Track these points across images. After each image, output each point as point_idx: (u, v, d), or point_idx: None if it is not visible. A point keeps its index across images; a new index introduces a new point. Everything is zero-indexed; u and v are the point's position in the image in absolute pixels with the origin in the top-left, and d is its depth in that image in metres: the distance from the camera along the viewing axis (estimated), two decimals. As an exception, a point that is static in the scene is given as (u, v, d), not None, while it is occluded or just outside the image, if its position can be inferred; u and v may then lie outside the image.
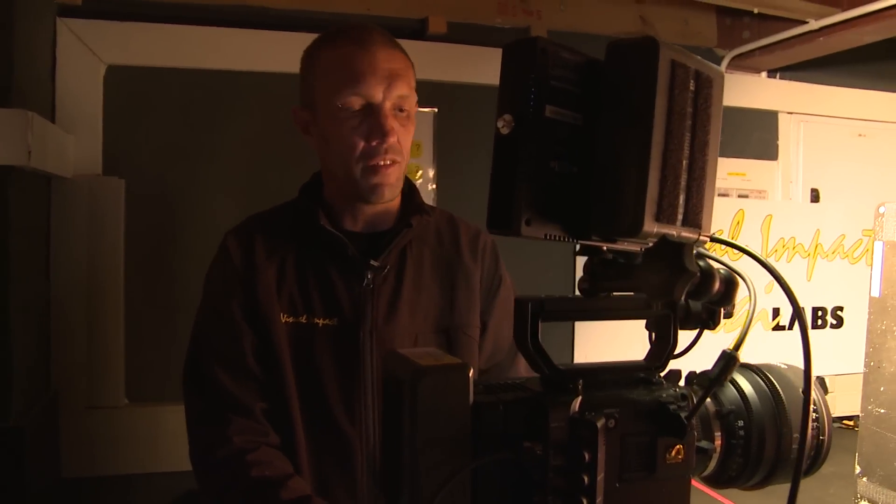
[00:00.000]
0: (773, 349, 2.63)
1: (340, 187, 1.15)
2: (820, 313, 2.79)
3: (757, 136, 2.85)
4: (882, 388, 1.54)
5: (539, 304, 0.60)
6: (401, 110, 1.11)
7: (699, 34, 2.73)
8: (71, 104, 2.04)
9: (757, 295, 0.60)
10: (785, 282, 0.58)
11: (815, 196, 2.93)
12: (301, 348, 1.11)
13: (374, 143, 1.08)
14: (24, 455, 1.59)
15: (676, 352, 0.65)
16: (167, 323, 2.11)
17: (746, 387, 0.69)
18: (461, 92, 2.37)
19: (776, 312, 2.72)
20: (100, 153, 2.08)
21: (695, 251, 0.55)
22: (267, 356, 1.10)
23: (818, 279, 2.79)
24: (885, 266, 1.55)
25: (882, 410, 1.53)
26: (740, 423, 0.68)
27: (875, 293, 1.58)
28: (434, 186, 2.40)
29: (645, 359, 0.67)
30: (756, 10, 2.46)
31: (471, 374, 0.55)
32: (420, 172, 2.38)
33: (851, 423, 2.52)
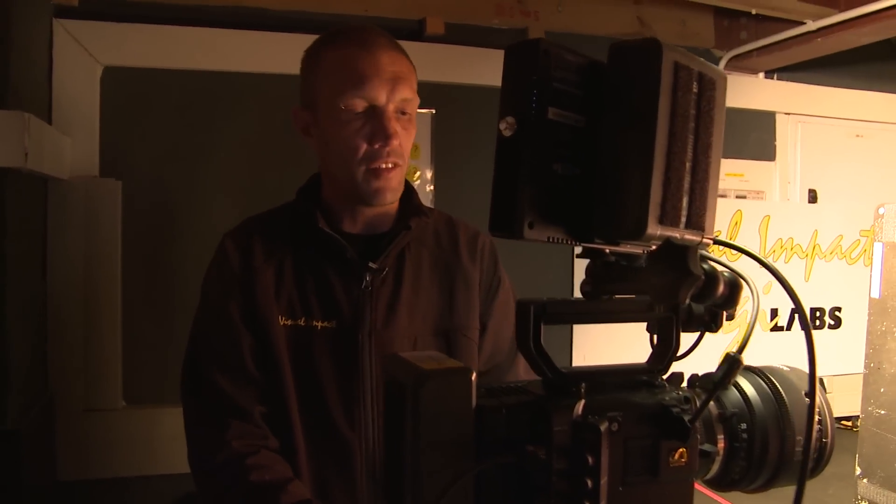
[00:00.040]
0: (771, 349, 2.63)
1: (341, 189, 1.14)
2: (818, 314, 2.80)
3: (754, 136, 2.85)
4: (882, 390, 1.54)
5: (541, 307, 0.60)
6: (403, 113, 1.10)
7: (697, 35, 2.73)
8: (67, 105, 2.03)
9: (759, 298, 0.60)
10: (789, 284, 0.58)
11: (812, 197, 2.93)
12: (300, 351, 1.10)
13: (376, 146, 1.07)
14: (20, 458, 1.58)
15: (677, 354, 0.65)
16: (164, 325, 2.10)
17: (749, 389, 0.69)
18: (459, 93, 2.37)
19: (774, 313, 2.72)
20: (96, 155, 2.08)
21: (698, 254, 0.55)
22: (265, 359, 1.10)
23: (816, 280, 2.80)
24: (885, 267, 1.55)
25: (882, 412, 1.53)
26: (743, 425, 0.67)
27: (875, 294, 1.58)
28: (432, 188, 2.40)
29: (647, 361, 0.66)
30: (754, 11, 2.46)
31: (473, 378, 0.55)
32: (418, 174, 2.37)
33: (850, 423, 2.53)
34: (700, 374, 0.69)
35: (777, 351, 2.62)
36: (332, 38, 1.12)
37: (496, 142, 0.54)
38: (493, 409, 0.56)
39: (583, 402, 0.58)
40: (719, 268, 0.58)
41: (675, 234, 0.55)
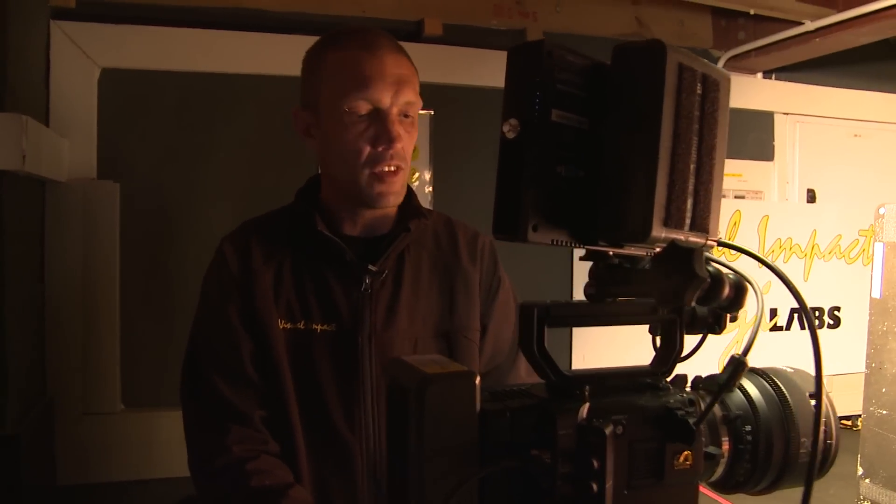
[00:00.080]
0: (770, 349, 2.64)
1: (342, 191, 1.13)
2: (817, 314, 2.80)
3: (753, 136, 2.85)
4: (884, 390, 1.54)
5: (545, 310, 0.59)
6: (406, 116, 1.10)
7: (695, 35, 2.74)
8: (65, 108, 2.02)
9: (764, 300, 0.60)
10: (794, 287, 0.58)
11: (811, 196, 2.94)
12: (299, 354, 1.10)
13: (380, 149, 1.07)
14: (19, 463, 1.57)
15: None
16: (163, 327, 2.10)
17: (753, 391, 0.68)
18: (457, 94, 2.37)
19: (773, 313, 2.73)
20: (94, 157, 2.07)
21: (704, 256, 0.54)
22: (265, 363, 1.09)
23: (815, 280, 2.80)
24: (886, 267, 1.55)
25: (884, 412, 1.53)
26: (748, 427, 0.67)
27: (876, 294, 1.58)
28: (431, 189, 2.40)
29: (651, 364, 0.66)
30: (752, 12, 2.47)
31: (477, 382, 0.54)
32: (417, 175, 2.37)
33: (849, 422, 2.53)
34: (700, 374, 0.69)
35: (776, 350, 2.62)
36: (336, 40, 1.11)
37: (499, 144, 0.54)
38: (497, 413, 0.55)
39: (587, 405, 0.57)
40: (724, 270, 0.58)
41: (680, 236, 0.55)
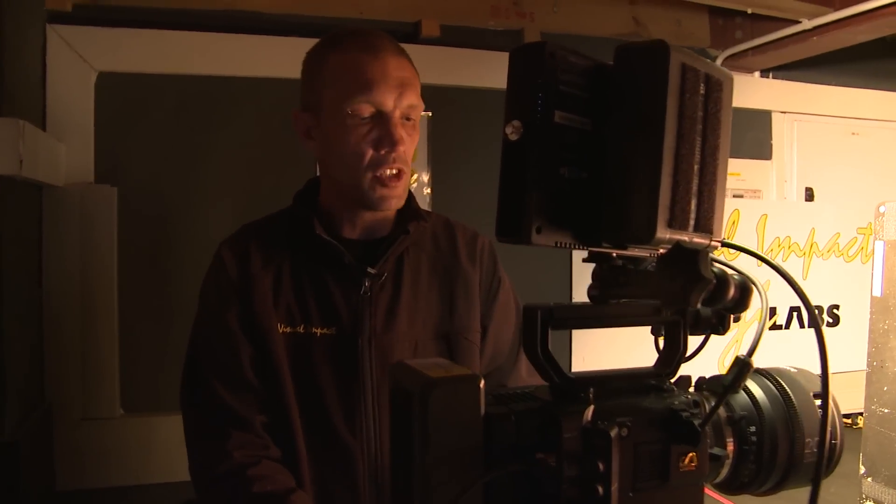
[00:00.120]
0: (769, 348, 2.63)
1: (342, 194, 1.13)
2: (816, 312, 2.80)
3: (751, 135, 2.86)
4: (885, 388, 1.54)
5: (548, 312, 0.59)
6: (408, 119, 1.09)
7: (692, 35, 2.74)
8: (62, 112, 2.02)
9: (767, 301, 0.60)
10: (800, 287, 0.57)
11: (809, 195, 2.94)
12: (299, 358, 1.09)
13: (382, 152, 1.06)
14: (18, 469, 1.57)
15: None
16: (161, 331, 2.09)
17: (757, 392, 0.68)
18: (455, 95, 2.37)
19: (772, 312, 2.73)
20: (91, 161, 2.07)
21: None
22: (265, 367, 1.09)
23: (814, 278, 2.81)
24: (887, 265, 1.55)
25: (886, 410, 1.53)
26: (752, 428, 0.67)
27: (877, 293, 1.58)
28: (429, 191, 2.39)
29: (655, 365, 0.66)
30: (749, 11, 2.47)
31: (482, 386, 0.54)
32: (415, 177, 2.37)
33: (849, 420, 2.53)
34: (703, 376, 0.69)
35: (775, 349, 2.62)
36: (338, 41, 1.10)
37: (502, 146, 0.54)
38: (501, 416, 0.55)
39: (592, 407, 0.57)
40: (729, 271, 0.58)
41: (684, 237, 0.54)
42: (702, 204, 0.55)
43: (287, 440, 1.08)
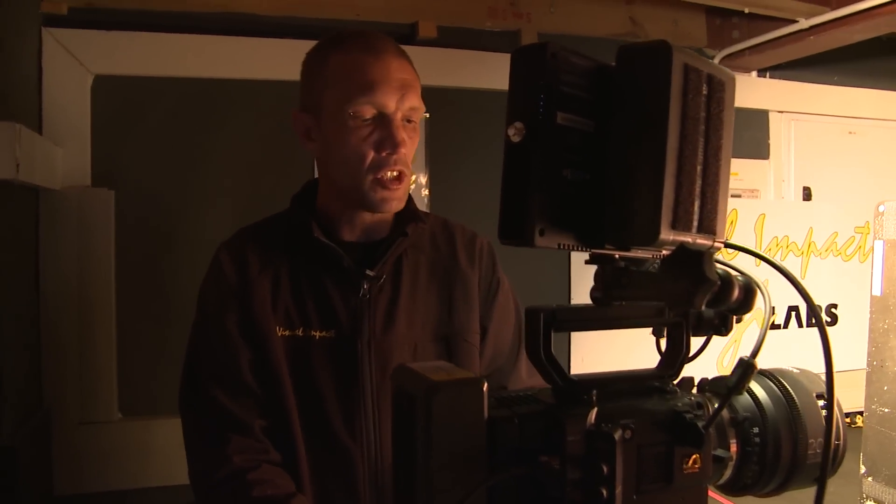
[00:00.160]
0: (768, 347, 2.63)
1: (342, 195, 1.12)
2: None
3: (748, 135, 2.86)
4: (885, 388, 1.54)
5: (551, 314, 0.59)
6: (409, 121, 1.09)
7: (689, 35, 2.74)
8: (58, 115, 2.01)
9: (770, 302, 0.60)
10: (804, 289, 0.57)
11: (807, 194, 2.94)
12: (298, 362, 1.09)
13: (384, 154, 1.06)
14: (16, 474, 1.56)
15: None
16: (159, 335, 2.08)
17: (760, 393, 0.68)
18: (453, 96, 2.37)
19: (772, 311, 2.73)
20: (88, 164, 2.06)
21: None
22: (264, 371, 1.08)
23: (812, 277, 2.81)
24: (886, 265, 1.55)
25: (886, 410, 1.53)
26: (755, 429, 0.67)
27: (876, 292, 1.58)
28: (427, 192, 2.39)
29: (657, 367, 0.65)
30: (746, 10, 2.47)
31: (485, 389, 0.54)
32: (413, 178, 2.36)
33: (847, 420, 2.53)
34: (706, 377, 0.69)
35: (774, 348, 2.62)
36: (339, 42, 1.09)
37: (504, 148, 0.53)
38: (505, 419, 0.55)
39: (595, 410, 0.57)
40: (732, 272, 0.58)
41: (688, 238, 0.54)
42: (705, 205, 0.55)
43: (286, 444, 1.07)
